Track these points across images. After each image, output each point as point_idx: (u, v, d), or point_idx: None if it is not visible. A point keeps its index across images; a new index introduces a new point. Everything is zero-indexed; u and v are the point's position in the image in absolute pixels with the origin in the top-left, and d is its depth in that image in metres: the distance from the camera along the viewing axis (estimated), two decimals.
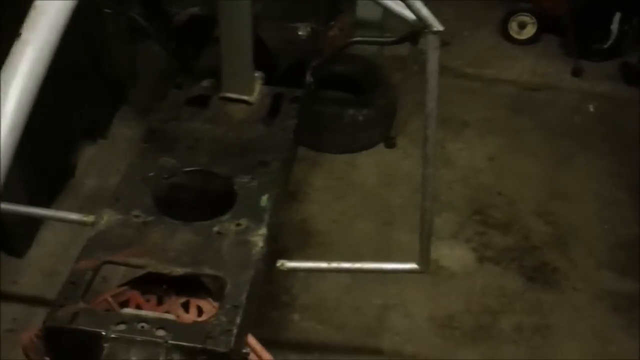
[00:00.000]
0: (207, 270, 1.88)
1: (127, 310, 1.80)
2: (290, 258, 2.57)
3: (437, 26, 1.62)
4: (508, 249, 2.72)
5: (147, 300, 1.91)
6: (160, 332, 1.70)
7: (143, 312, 1.79)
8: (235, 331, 1.72)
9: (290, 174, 2.36)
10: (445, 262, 2.65)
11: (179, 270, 1.87)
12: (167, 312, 1.88)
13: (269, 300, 2.46)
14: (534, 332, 2.43)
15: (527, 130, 3.23)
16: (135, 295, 1.92)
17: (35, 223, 2.61)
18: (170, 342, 1.67)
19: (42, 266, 2.53)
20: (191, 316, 1.89)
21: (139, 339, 1.68)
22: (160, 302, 1.92)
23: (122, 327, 1.71)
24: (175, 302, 1.91)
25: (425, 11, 1.61)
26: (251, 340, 1.88)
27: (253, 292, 1.87)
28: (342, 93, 3.08)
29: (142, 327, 1.71)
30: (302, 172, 2.94)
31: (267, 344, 2.32)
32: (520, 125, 3.26)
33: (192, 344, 1.68)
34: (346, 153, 3.06)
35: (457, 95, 3.30)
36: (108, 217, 2.00)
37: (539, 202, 2.90)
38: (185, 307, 1.91)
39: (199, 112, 2.40)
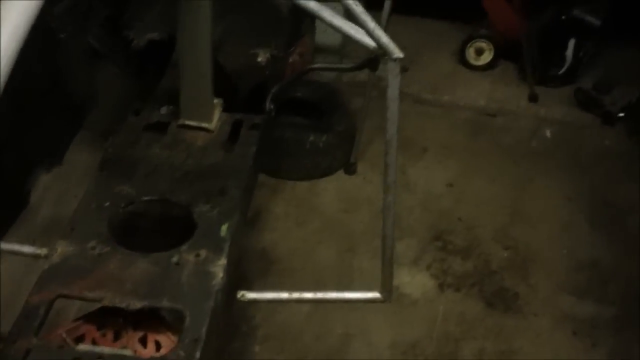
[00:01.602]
0: (166, 303, 1.84)
1: (83, 347, 1.75)
2: (251, 287, 2.56)
3: (398, 53, 1.61)
4: (468, 274, 2.71)
5: (104, 335, 1.86)
6: None
7: (99, 348, 1.74)
8: None
9: (250, 202, 2.34)
10: (406, 289, 2.63)
11: (136, 304, 1.82)
12: (124, 347, 1.84)
13: (229, 331, 2.41)
14: (497, 359, 2.43)
15: (485, 155, 3.25)
16: (90, 329, 1.87)
17: None
18: None
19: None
20: (149, 351, 1.85)
21: None
22: (117, 337, 1.87)
23: None
24: (132, 336, 1.86)
25: (385, 38, 1.60)
26: None
27: (213, 325, 1.83)
28: (302, 119, 3.07)
29: None
30: (262, 199, 2.92)
31: None
32: (479, 150, 3.28)
33: None
34: (307, 179, 3.05)
35: (416, 120, 3.32)
36: (62, 249, 1.94)
37: (498, 227, 2.91)
38: (143, 341, 1.86)
39: (158, 138, 2.36)
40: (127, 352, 1.73)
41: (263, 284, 2.59)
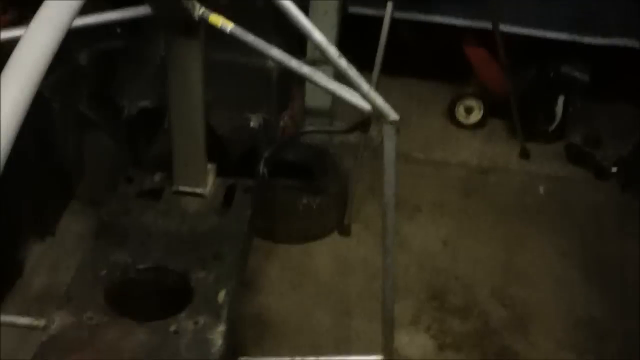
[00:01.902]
0: None
1: None
2: (247, 352, 2.52)
3: (394, 115, 1.63)
4: (468, 334, 2.68)
5: None
6: None
7: None
8: None
9: (246, 266, 2.32)
10: (405, 351, 2.59)
11: None
12: None
13: None
14: None
15: (478, 212, 3.25)
16: None
17: None
18: None
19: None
20: None
21: None
22: None
23: None
24: None
25: (380, 101, 1.62)
26: None
27: None
28: (295, 181, 3.07)
29: None
30: (257, 262, 2.89)
31: None
32: (472, 208, 3.28)
33: None
34: (301, 242, 3.03)
35: (408, 179, 3.32)
36: (60, 320, 1.92)
37: (495, 285, 2.89)
38: None
39: (151, 205, 2.36)
40: None
41: (259, 349, 2.54)
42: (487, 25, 3.21)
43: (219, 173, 2.50)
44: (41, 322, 1.93)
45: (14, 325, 1.99)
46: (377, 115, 1.67)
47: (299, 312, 2.73)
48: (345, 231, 3.10)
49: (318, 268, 2.93)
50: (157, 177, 2.48)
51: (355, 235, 3.10)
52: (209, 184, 2.45)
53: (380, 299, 2.78)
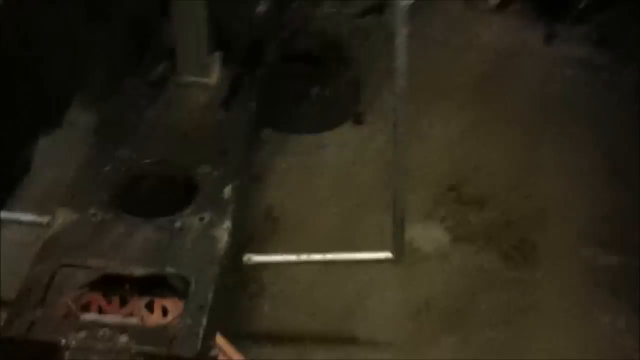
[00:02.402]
0: (170, 270, 1.78)
1: (88, 316, 1.69)
2: (256, 248, 2.46)
3: None
4: (484, 226, 2.59)
5: (110, 302, 1.81)
6: (123, 338, 1.61)
7: (104, 317, 1.69)
8: (201, 333, 1.63)
9: (252, 160, 2.26)
10: (419, 244, 2.52)
11: (139, 271, 1.77)
12: (131, 314, 1.78)
13: (237, 291, 2.34)
14: (514, 314, 2.32)
15: (500, 100, 3.09)
16: (96, 297, 1.82)
17: None
18: (133, 348, 1.58)
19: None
20: (155, 317, 1.79)
21: (100, 346, 1.59)
22: (123, 303, 1.81)
23: (82, 334, 1.62)
24: (138, 302, 1.81)
25: None
26: (220, 340, 1.78)
27: (219, 290, 1.77)
28: (306, 70, 2.94)
29: (104, 333, 1.62)
30: (267, 155, 2.80)
31: (238, 337, 2.23)
32: (494, 95, 3.11)
33: (156, 350, 1.59)
34: (313, 132, 2.94)
35: (427, 66, 3.17)
36: (63, 217, 1.88)
37: (515, 176, 2.78)
38: (150, 307, 1.81)
39: (156, 97, 2.28)
40: (133, 321, 1.67)
41: (269, 244, 2.49)
42: None
43: (225, 63, 2.40)
44: (45, 219, 1.89)
45: (18, 222, 1.95)
46: None
47: (309, 206, 2.66)
48: (359, 120, 2.99)
49: (330, 159, 2.84)
50: (162, 68, 2.39)
51: (370, 123, 2.98)
52: (214, 74, 2.36)
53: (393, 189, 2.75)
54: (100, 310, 1.78)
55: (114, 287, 1.79)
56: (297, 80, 2.89)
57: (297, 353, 2.22)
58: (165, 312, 1.80)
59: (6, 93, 2.57)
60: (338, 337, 2.28)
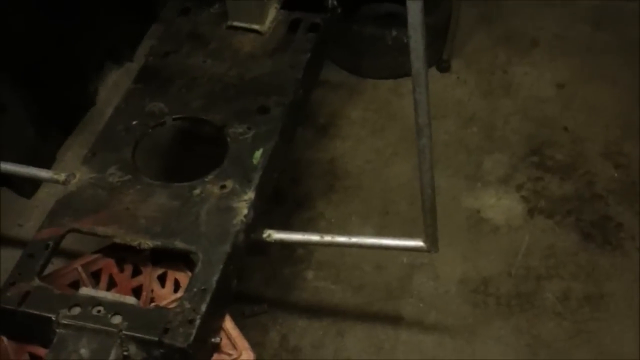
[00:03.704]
0: (179, 244, 1.67)
1: (85, 291, 1.63)
2: (313, 204, 2.34)
3: None
4: (566, 198, 2.33)
5: (122, 271, 1.74)
6: (116, 319, 1.52)
7: (102, 294, 1.61)
8: (198, 322, 1.51)
9: (297, 121, 2.07)
10: (488, 214, 2.31)
11: (147, 243, 1.67)
12: (141, 285, 1.71)
13: (282, 254, 2.23)
14: (583, 303, 2.10)
15: (608, 51, 2.74)
16: (109, 264, 1.76)
17: (46, 161, 2.45)
18: (124, 332, 1.50)
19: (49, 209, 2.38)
20: (167, 291, 1.71)
21: (91, 326, 1.52)
22: (135, 273, 1.74)
23: (76, 311, 1.55)
24: (151, 273, 1.74)
25: None
26: (228, 324, 1.67)
27: (228, 271, 1.64)
28: (387, 7, 2.68)
29: (98, 312, 1.54)
30: (338, 101, 2.63)
31: (275, 303, 2.14)
32: (601, 44, 2.76)
33: (147, 336, 1.49)
34: (390, 78, 2.71)
35: (526, 7, 2.83)
36: (80, 176, 1.80)
37: (610, 141, 2.47)
38: (162, 279, 1.73)
39: (203, 43, 2.13)
40: (131, 301, 1.59)
41: (326, 202, 2.35)
42: None
43: (285, 7, 2.19)
44: (61, 177, 1.82)
45: (35, 178, 1.89)
46: None
47: (376, 161, 2.48)
48: (443, 67, 2.73)
49: (405, 110, 2.62)
50: (215, 9, 2.22)
51: (455, 72, 2.72)
52: (268, 18, 2.16)
53: (470, 150, 2.50)
54: (112, 279, 1.72)
55: (128, 254, 1.72)
56: (374, 22, 2.64)
57: (336, 329, 2.09)
58: (177, 286, 1.71)
59: (77, 19, 2.51)
60: (382, 315, 2.12)
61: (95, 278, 1.74)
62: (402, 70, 2.68)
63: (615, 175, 2.38)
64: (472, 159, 2.44)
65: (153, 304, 1.67)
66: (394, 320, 2.10)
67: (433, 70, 2.72)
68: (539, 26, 2.82)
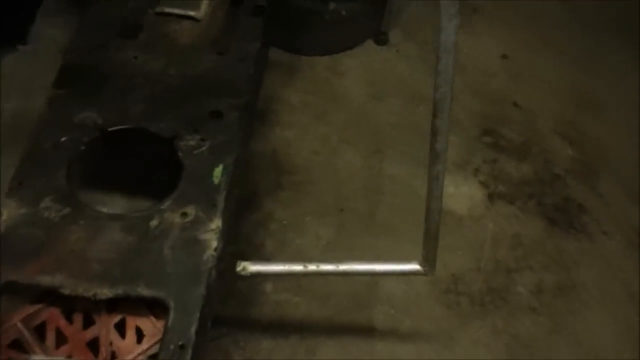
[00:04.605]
0: (144, 290, 1.42)
1: (37, 357, 1.36)
2: (260, 206, 2.12)
3: None
4: (525, 181, 2.23)
5: (71, 323, 1.47)
6: None
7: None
8: None
9: (252, 123, 1.83)
10: (449, 204, 2.16)
11: (105, 292, 1.41)
12: (97, 337, 1.45)
13: (234, 266, 2.00)
14: (557, 294, 2.01)
15: (553, 18, 2.62)
16: (54, 315, 1.47)
17: None
18: None
19: None
20: (129, 342, 1.46)
21: None
22: (87, 323, 1.48)
23: None
24: (107, 321, 1.47)
25: None
26: None
27: (204, 318, 1.42)
28: None
29: None
30: (275, 83, 2.38)
31: (234, 323, 1.93)
32: (544, 11, 2.64)
33: None
34: (328, 54, 2.48)
35: None
36: (8, 213, 1.50)
37: (562, 116, 2.38)
38: (121, 327, 1.47)
39: (132, 35, 1.82)
40: None
41: (274, 200, 2.13)
42: None
43: None
44: None
45: None
46: None
47: (323, 151, 2.27)
48: (381, 39, 2.53)
49: (347, 90, 2.41)
50: None
51: (394, 45, 2.53)
52: (203, 3, 1.88)
53: (420, 132, 2.33)
54: (59, 332, 1.45)
55: (76, 301, 1.45)
56: None
57: (305, 347, 1.90)
58: (139, 335, 1.47)
59: None
60: (353, 327, 1.95)
61: (39, 333, 1.47)
62: (338, 46, 2.46)
63: (570, 152, 2.30)
64: (423, 142, 2.28)
65: None
66: (367, 331, 1.93)
67: (370, 43, 2.52)
68: None
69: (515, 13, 2.62)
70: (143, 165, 1.83)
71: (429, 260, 1.51)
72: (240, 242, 2.01)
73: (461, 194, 2.19)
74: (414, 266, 1.53)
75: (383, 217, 2.12)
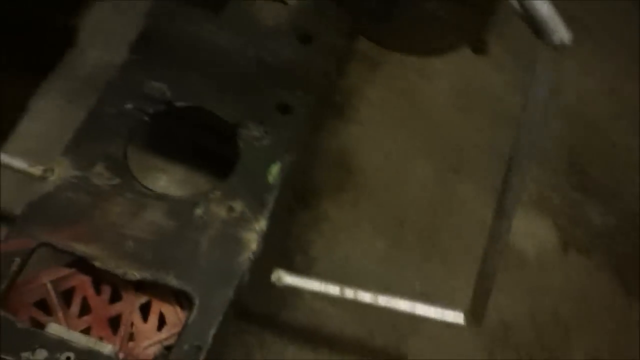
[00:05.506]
0: (172, 280, 1.37)
1: (53, 329, 1.32)
2: (318, 202, 2.02)
3: (563, 34, 0.91)
4: (607, 230, 2.04)
5: (98, 293, 1.44)
6: None
7: (73, 337, 1.32)
8: None
9: (320, 118, 1.73)
10: (517, 242, 1.99)
11: (134, 274, 1.37)
12: (120, 315, 1.41)
13: (279, 263, 1.91)
14: None
15: None
16: (83, 283, 1.46)
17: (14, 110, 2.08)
18: None
19: None
20: (149, 326, 1.42)
21: None
22: (114, 297, 1.44)
23: (41, 355, 1.26)
24: (133, 301, 1.45)
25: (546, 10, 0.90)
26: None
27: (226, 321, 1.36)
28: None
29: (67, 358, 1.26)
30: (357, 76, 2.23)
31: (264, 321, 1.85)
32: None
33: None
34: (418, 54, 2.34)
35: None
36: (60, 172, 1.46)
37: None
38: (145, 309, 1.43)
39: (216, 12, 1.75)
40: (106, 350, 1.30)
41: (332, 200, 2.00)
42: None
43: None
44: (38, 170, 1.47)
45: (8, 167, 1.52)
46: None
47: (394, 157, 2.12)
48: (480, 49, 2.37)
49: (433, 95, 2.25)
50: None
51: (493, 56, 2.36)
52: None
53: (504, 158, 2.19)
54: (85, 301, 1.42)
55: (107, 273, 1.41)
56: None
57: None
58: (161, 321, 1.42)
59: None
60: (384, 352, 1.83)
61: (66, 298, 1.43)
62: (432, 47, 2.32)
63: None
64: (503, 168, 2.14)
65: (131, 343, 1.39)
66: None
67: (467, 50, 2.37)
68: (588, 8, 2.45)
69: (631, 43, 2.41)
70: (204, 143, 1.78)
71: (475, 314, 1.38)
72: (288, 237, 1.94)
73: (532, 234, 2.02)
74: (458, 317, 1.41)
75: (443, 242, 1.98)
